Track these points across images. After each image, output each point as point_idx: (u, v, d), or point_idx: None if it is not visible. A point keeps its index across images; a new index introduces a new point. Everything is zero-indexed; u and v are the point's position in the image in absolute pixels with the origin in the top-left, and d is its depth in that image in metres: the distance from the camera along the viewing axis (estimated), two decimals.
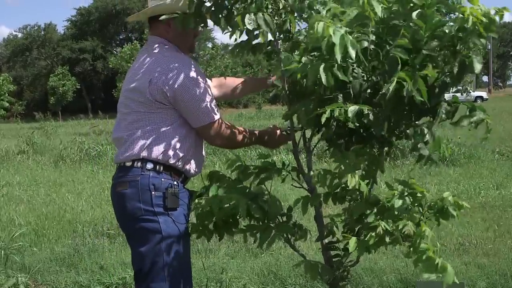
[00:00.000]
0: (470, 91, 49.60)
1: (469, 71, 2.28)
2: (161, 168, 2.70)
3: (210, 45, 44.85)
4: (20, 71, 59.22)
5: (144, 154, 2.68)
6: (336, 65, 2.18)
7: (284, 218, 2.81)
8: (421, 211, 2.59)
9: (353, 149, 2.50)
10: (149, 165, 2.69)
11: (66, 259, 5.61)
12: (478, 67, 2.26)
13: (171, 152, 2.70)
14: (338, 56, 2.10)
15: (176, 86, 2.64)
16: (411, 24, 2.24)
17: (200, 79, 2.71)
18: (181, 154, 2.73)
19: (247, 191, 2.75)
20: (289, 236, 2.82)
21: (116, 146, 2.84)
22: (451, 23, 2.25)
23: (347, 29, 2.19)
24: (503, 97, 62.32)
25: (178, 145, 2.72)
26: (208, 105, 2.71)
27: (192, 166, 2.82)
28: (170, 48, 2.80)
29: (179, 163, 2.74)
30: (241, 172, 2.78)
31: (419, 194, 2.61)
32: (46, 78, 51.43)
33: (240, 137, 2.87)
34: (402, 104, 2.25)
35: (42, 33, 61.24)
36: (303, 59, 2.38)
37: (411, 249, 2.43)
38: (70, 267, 5.36)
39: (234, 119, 29.87)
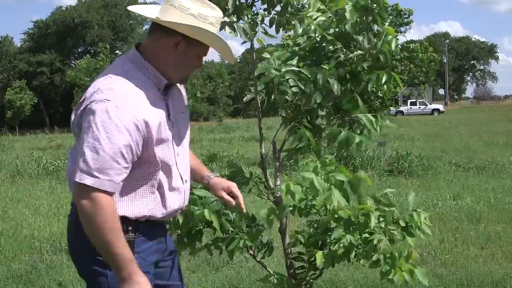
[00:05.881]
0: (427, 103, 50.81)
1: None
2: None
3: None
4: None
5: None
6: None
7: (248, 229, 2.81)
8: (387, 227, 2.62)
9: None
10: None
11: (23, 276, 5.48)
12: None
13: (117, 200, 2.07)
14: None
15: (84, 114, 2.00)
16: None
17: (120, 124, 1.94)
18: (127, 201, 2.13)
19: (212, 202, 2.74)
20: (254, 249, 2.82)
21: None
22: None
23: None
24: (459, 109, 63.88)
25: (125, 191, 2.10)
26: (97, 160, 1.92)
27: (154, 211, 2.19)
28: (136, 67, 2.11)
29: (128, 213, 2.13)
30: None
31: (387, 209, 2.65)
32: (3, 91, 50.34)
33: (109, 230, 1.98)
34: None
35: None
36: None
37: (386, 262, 2.52)
38: (28, 285, 5.25)
39: (194, 132, 29.67)
